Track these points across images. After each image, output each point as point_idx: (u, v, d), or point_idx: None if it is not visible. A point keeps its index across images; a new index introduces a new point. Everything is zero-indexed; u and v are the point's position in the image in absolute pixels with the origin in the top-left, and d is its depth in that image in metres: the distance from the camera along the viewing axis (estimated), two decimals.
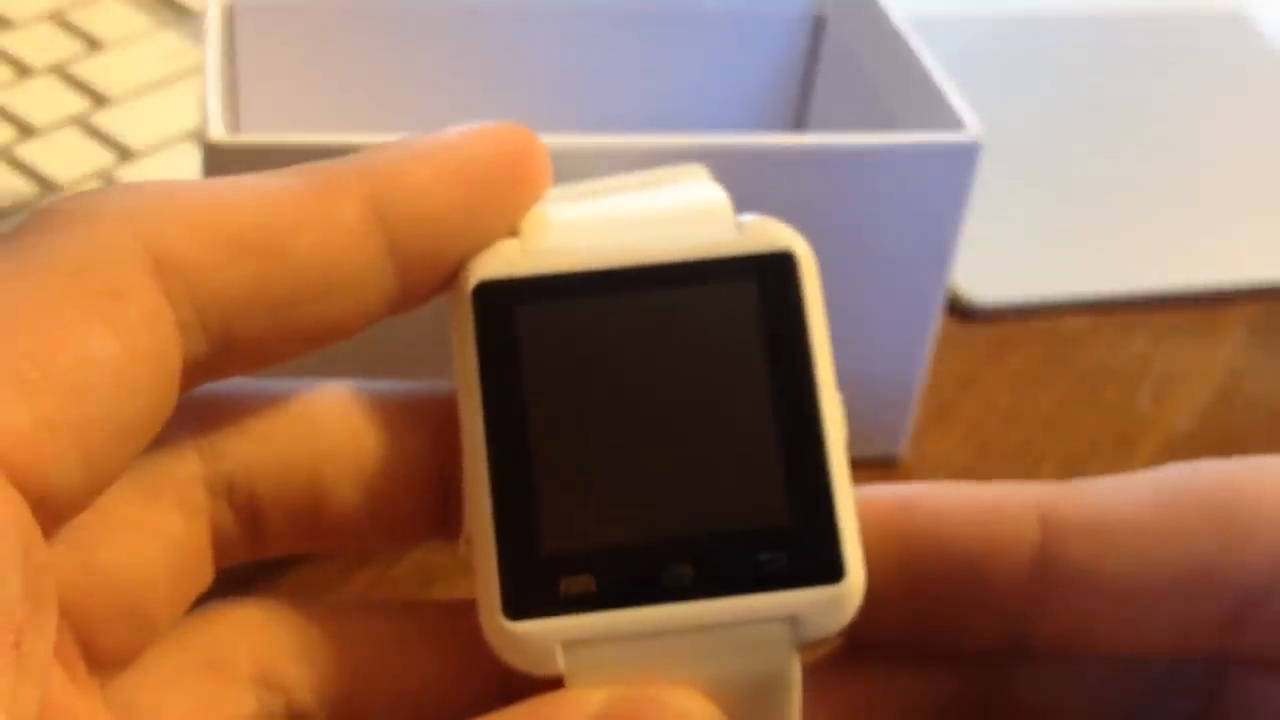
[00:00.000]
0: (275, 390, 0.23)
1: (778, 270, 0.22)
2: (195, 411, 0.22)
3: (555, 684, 0.21)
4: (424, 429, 0.23)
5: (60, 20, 0.54)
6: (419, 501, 0.23)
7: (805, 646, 0.21)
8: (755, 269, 0.22)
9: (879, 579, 0.22)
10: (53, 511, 0.19)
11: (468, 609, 0.22)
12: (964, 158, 0.38)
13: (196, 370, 0.21)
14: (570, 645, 0.21)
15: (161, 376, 0.20)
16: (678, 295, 0.22)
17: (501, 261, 0.22)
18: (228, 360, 0.21)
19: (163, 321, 0.20)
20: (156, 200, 0.20)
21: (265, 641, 0.22)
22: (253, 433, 0.22)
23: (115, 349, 0.19)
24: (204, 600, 0.23)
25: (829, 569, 0.21)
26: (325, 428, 0.22)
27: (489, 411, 0.22)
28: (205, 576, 0.23)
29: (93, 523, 0.21)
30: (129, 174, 0.48)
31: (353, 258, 0.21)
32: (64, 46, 0.53)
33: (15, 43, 0.52)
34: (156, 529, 0.22)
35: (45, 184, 0.47)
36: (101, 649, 0.21)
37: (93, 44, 0.53)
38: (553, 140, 0.37)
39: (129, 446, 0.20)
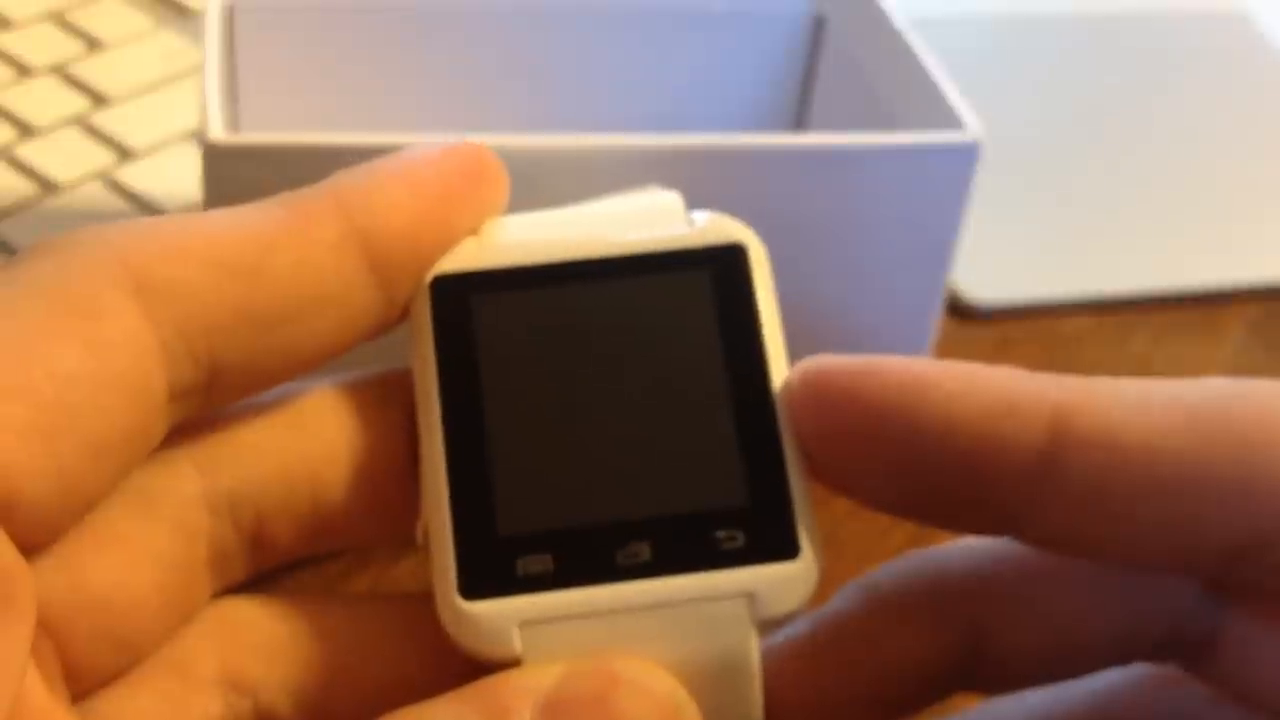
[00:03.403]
0: (263, 400, 0.23)
1: (729, 261, 0.23)
2: (190, 429, 0.22)
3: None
4: (402, 406, 0.23)
5: (60, 20, 0.54)
6: (408, 484, 0.23)
7: (764, 625, 0.21)
8: (707, 260, 0.23)
9: (888, 448, 0.21)
10: (24, 520, 0.19)
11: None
12: (964, 158, 0.38)
13: (190, 397, 0.21)
14: (527, 626, 0.21)
15: (142, 396, 0.20)
16: (631, 285, 0.23)
17: (459, 257, 0.23)
18: (221, 385, 0.21)
19: (142, 342, 0.20)
20: (137, 229, 0.21)
21: (231, 642, 0.22)
22: (249, 445, 0.22)
23: (89, 365, 0.19)
24: None
25: (785, 546, 0.21)
26: (317, 428, 0.23)
27: (445, 399, 0.22)
28: (200, 598, 0.22)
29: (83, 541, 0.21)
30: (129, 174, 0.48)
31: (333, 273, 0.21)
32: (64, 46, 0.53)
33: (15, 43, 0.52)
34: (148, 549, 0.21)
35: (45, 184, 0.47)
36: (83, 666, 0.21)
37: (93, 44, 0.53)
38: (551, 141, 0.37)
39: (107, 463, 0.20)
